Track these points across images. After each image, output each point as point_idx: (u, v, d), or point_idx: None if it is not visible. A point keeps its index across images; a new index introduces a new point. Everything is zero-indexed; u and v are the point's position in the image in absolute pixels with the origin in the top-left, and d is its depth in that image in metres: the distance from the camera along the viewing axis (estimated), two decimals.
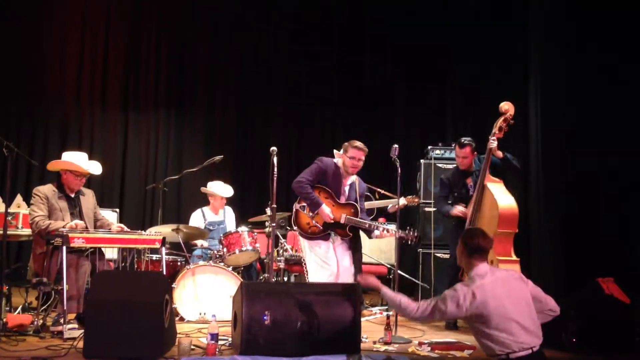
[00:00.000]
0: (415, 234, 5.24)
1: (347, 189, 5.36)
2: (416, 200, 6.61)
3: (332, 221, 5.22)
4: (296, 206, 5.35)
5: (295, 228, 5.42)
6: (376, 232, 5.27)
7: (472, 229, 4.48)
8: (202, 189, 6.87)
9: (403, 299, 3.55)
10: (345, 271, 5.27)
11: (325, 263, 5.21)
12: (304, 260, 5.65)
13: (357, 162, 5.30)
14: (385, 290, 3.67)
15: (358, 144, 5.32)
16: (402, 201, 6.03)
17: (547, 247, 6.69)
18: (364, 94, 9.16)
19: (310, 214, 5.25)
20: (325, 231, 5.26)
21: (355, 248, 5.45)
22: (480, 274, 3.49)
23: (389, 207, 6.25)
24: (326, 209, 5.19)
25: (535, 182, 7.05)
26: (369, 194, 6.12)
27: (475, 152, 5.71)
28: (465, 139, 5.73)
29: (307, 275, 5.61)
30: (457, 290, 3.44)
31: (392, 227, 5.31)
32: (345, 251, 5.35)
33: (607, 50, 6.09)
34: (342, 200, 5.33)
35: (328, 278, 5.19)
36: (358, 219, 5.26)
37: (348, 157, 5.29)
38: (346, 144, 5.37)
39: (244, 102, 8.93)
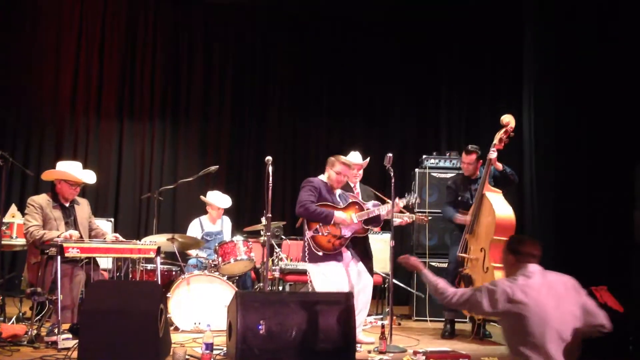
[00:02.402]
0: (415, 196, 5.34)
1: (338, 199, 5.29)
2: (426, 220, 6.21)
3: (350, 223, 5.09)
4: (309, 234, 5.08)
5: (320, 254, 5.04)
6: (383, 212, 5.23)
7: (517, 236, 4.15)
8: (202, 197, 6.87)
9: (441, 282, 3.41)
10: (360, 292, 5.11)
11: (338, 282, 5.01)
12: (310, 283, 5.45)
13: (343, 179, 5.23)
14: (426, 272, 3.51)
15: (345, 160, 5.26)
16: (410, 217, 5.96)
17: (542, 256, 6.70)
18: (359, 103, 9.19)
19: (326, 232, 5.06)
20: (348, 238, 5.11)
21: (366, 255, 5.47)
22: (528, 273, 3.21)
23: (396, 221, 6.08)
24: (340, 214, 5.07)
25: (530, 191, 7.08)
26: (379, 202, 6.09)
27: (481, 161, 5.84)
28: (472, 146, 5.89)
29: None
30: (497, 284, 3.19)
31: (401, 200, 5.30)
32: (357, 270, 5.19)
33: (598, 58, 6.13)
34: (342, 205, 5.24)
35: None
36: (366, 212, 5.17)
37: (335, 171, 5.19)
38: (332, 158, 5.25)
39: (239, 111, 8.94)
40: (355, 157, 5.92)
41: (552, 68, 6.66)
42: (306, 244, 5.12)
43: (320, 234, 5.06)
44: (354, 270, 5.14)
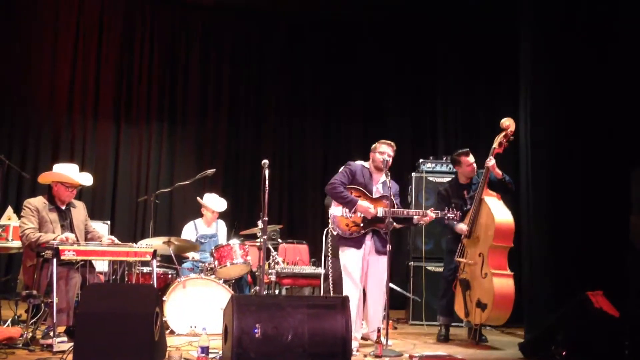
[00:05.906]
0: (456, 211, 5.33)
1: (379, 186, 5.32)
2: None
3: (372, 215, 5.13)
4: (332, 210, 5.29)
5: (335, 233, 5.27)
6: (415, 217, 5.32)
7: None
8: (198, 199, 6.87)
9: None
10: (373, 285, 5.20)
11: (351, 271, 5.13)
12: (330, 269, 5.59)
13: (387, 158, 5.28)
14: None
15: (386, 141, 5.36)
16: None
17: (538, 261, 6.70)
18: (355, 107, 9.21)
19: (348, 214, 5.18)
20: (366, 228, 5.17)
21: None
22: None
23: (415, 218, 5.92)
24: (364, 203, 5.13)
25: (525, 195, 7.07)
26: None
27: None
28: (464, 149, 5.83)
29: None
30: None
31: (434, 212, 5.34)
32: (377, 262, 5.21)
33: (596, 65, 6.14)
34: (375, 195, 5.28)
35: (351, 288, 5.10)
36: (395, 209, 5.18)
37: (378, 152, 5.30)
38: (376, 143, 5.38)
39: (235, 114, 8.97)
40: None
41: (549, 72, 6.68)
42: (329, 221, 5.31)
43: (342, 215, 5.18)
44: (374, 265, 5.19)
